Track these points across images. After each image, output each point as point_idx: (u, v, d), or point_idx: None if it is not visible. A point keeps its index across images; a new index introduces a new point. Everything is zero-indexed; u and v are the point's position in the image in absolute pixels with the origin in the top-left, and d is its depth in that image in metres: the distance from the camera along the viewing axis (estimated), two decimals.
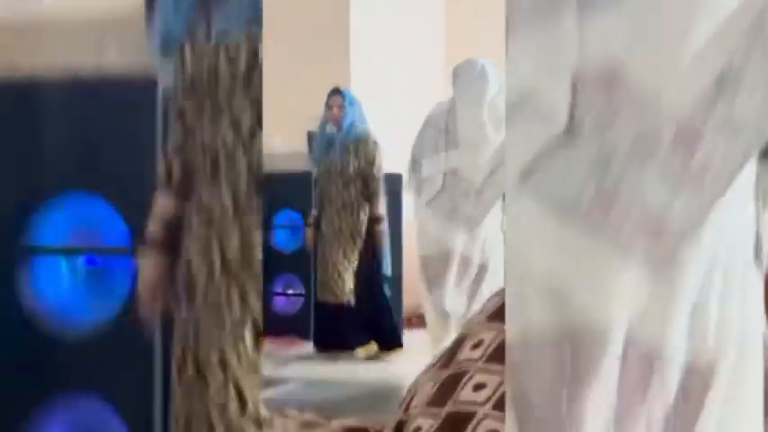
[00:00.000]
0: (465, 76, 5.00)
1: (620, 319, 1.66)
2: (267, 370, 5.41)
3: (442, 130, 4.99)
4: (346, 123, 5.84)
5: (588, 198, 1.64)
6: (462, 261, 5.03)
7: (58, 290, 3.05)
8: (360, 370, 5.59)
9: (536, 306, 1.69)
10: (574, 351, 1.66)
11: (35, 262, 3.04)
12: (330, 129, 5.93)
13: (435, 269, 5.06)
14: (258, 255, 2.27)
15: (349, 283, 5.84)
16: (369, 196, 5.82)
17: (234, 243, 2.27)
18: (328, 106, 5.89)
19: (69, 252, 3.08)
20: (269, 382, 4.92)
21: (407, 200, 5.90)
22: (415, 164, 5.20)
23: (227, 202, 2.29)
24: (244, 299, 2.25)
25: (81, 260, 3.10)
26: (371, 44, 7.48)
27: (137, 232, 2.72)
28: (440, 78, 7.56)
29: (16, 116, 3.04)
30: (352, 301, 5.83)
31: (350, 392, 4.89)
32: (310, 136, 6.41)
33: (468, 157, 4.93)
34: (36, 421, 2.94)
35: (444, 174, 5.01)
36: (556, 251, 1.67)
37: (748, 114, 1.68)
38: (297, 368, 5.55)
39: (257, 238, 2.28)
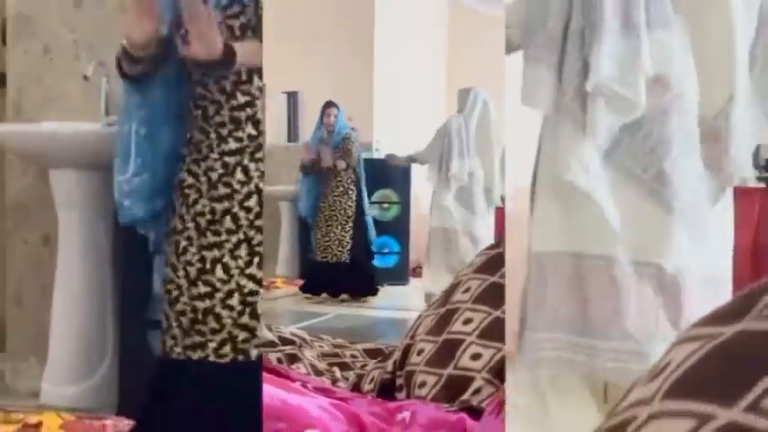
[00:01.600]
0: (471, 102, 5.36)
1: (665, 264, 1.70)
2: (308, 307, 5.53)
3: (462, 141, 5.21)
4: (336, 129, 6.05)
5: (652, 174, 1.70)
6: (472, 237, 5.27)
7: None
8: (375, 308, 5.65)
9: (597, 241, 1.75)
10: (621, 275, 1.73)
11: None
12: (320, 132, 6.12)
13: (443, 239, 5.28)
14: None
15: (346, 247, 5.99)
16: (356, 179, 6.03)
17: None
18: (326, 115, 6.08)
19: None
20: (310, 315, 5.02)
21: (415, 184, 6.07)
22: (441, 161, 5.36)
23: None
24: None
25: None
26: (391, 65, 7.49)
27: None
28: (441, 89, 7.58)
29: None
30: (348, 261, 5.98)
31: (368, 323, 4.98)
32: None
33: (481, 163, 5.21)
34: None
35: (466, 174, 5.23)
36: (623, 207, 1.71)
37: (745, 124, 1.75)
38: (329, 306, 5.62)
39: None
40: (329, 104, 6.11)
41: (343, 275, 5.95)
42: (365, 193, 6.12)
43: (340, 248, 5.98)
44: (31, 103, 3.35)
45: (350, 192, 6.02)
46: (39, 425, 2.63)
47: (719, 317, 0.49)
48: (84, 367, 3.04)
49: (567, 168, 1.73)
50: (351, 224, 6.00)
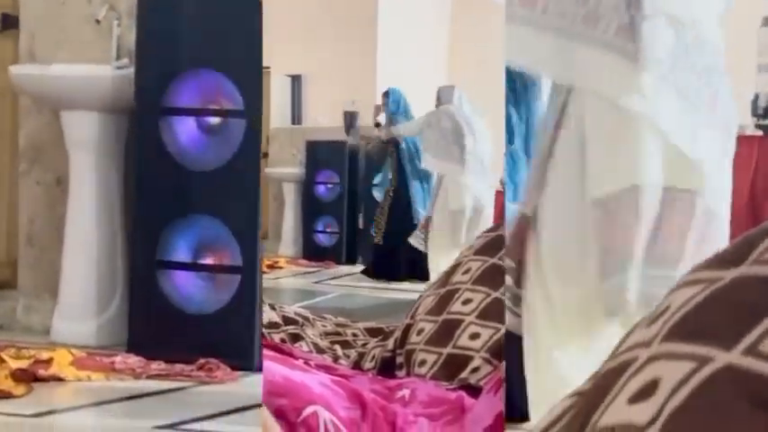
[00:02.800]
0: (458, 98, 5.53)
1: None
2: (311, 285, 5.54)
3: (467, 123, 5.38)
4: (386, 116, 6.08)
5: (705, 96, 1.71)
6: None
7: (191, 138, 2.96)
8: (377, 287, 5.63)
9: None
10: None
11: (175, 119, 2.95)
12: (381, 118, 6.16)
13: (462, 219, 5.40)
14: None
15: (382, 229, 5.97)
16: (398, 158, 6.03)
17: None
18: (383, 104, 6.10)
19: (199, 112, 2.98)
20: (312, 294, 5.03)
21: None
22: (451, 143, 5.43)
23: None
24: None
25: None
26: (393, 50, 7.49)
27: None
28: (442, 75, 7.58)
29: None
30: (400, 244, 5.89)
31: (370, 303, 4.98)
32: (345, 115, 6.57)
33: (480, 143, 5.39)
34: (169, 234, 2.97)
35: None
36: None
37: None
38: (332, 285, 5.62)
39: None
40: (385, 94, 6.10)
41: (398, 259, 5.89)
42: (408, 175, 5.95)
43: (381, 231, 5.96)
44: (45, 47, 3.39)
45: (389, 174, 6.03)
46: (50, 361, 2.66)
47: (718, 261, 0.50)
48: (94, 305, 3.11)
49: (630, 102, 1.70)
50: (387, 206, 5.96)
